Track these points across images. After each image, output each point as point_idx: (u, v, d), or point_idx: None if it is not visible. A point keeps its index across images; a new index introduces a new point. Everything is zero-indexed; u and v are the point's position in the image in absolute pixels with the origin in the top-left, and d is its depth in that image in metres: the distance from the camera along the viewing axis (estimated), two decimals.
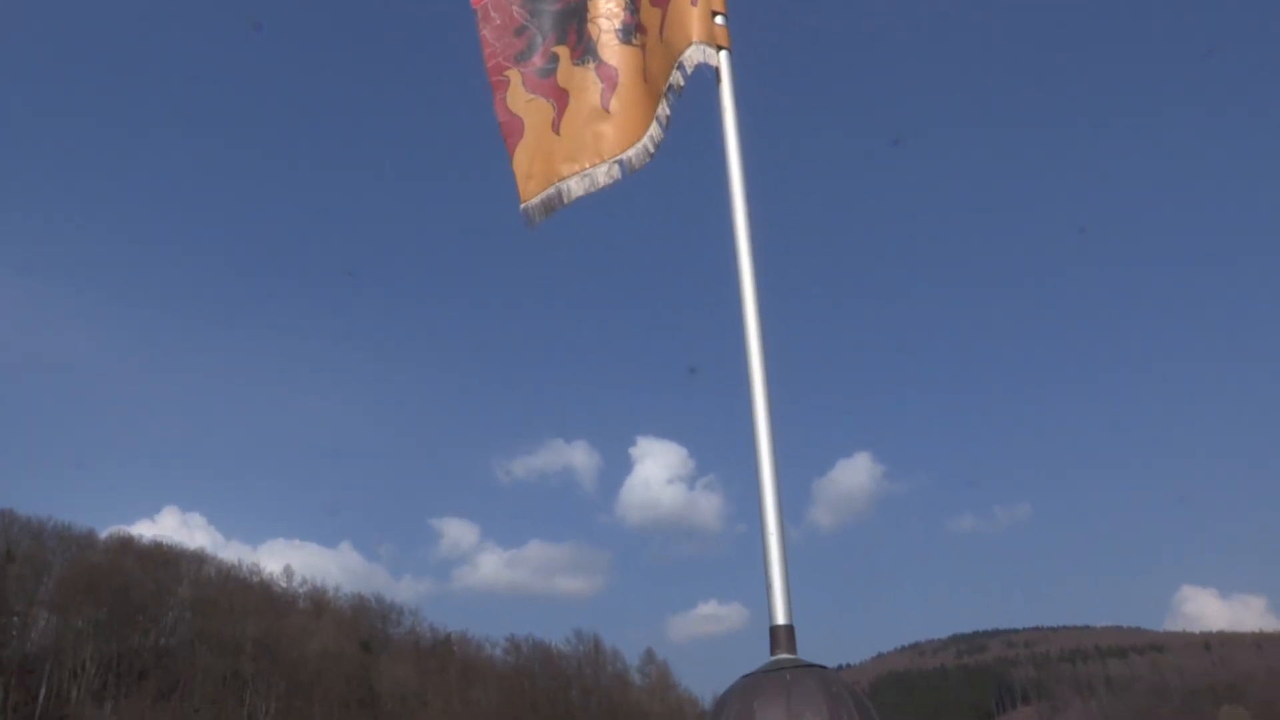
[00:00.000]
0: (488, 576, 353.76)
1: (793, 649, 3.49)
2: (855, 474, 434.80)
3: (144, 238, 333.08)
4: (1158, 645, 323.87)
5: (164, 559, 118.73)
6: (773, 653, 3.50)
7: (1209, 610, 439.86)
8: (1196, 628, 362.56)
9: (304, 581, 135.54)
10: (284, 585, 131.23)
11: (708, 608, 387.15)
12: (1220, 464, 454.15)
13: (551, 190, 5.24)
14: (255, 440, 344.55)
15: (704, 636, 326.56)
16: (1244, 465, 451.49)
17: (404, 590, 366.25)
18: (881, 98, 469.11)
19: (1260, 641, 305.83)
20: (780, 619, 3.51)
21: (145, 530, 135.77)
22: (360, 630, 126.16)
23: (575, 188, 5.19)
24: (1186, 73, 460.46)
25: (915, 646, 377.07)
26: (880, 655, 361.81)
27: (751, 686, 3.36)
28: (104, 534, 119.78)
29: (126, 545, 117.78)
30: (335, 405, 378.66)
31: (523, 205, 5.30)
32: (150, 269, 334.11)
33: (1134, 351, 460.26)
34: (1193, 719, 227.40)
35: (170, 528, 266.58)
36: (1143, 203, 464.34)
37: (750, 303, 4.08)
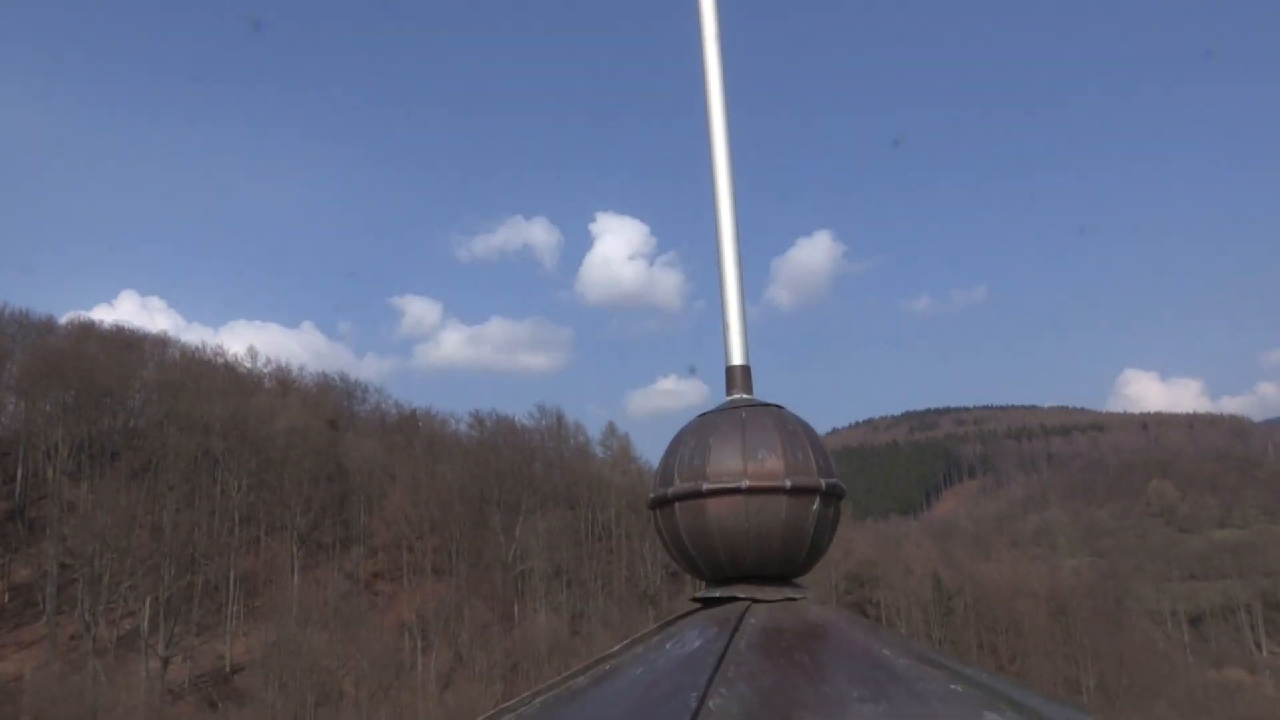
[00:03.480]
0: (450, 353, 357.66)
1: (749, 389, 3.51)
2: (815, 253, 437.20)
3: (102, 15, 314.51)
4: (1099, 424, 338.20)
5: (126, 343, 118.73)
6: (729, 392, 3.52)
7: (1149, 392, 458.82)
8: (1136, 409, 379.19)
9: (268, 362, 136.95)
10: (249, 366, 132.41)
11: (667, 383, 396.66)
12: (1167, 253, 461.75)
13: None
14: (213, 222, 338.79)
15: (663, 411, 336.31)
16: (1189, 255, 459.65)
17: (367, 368, 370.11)
18: None
19: (1193, 422, 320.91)
20: (736, 359, 3.52)
21: (104, 315, 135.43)
22: (326, 408, 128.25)
23: None
24: None
25: (869, 422, 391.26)
26: (835, 430, 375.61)
27: (708, 423, 3.40)
28: (63, 319, 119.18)
29: (87, 330, 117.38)
30: (293, 186, 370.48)
31: None
32: (105, 46, 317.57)
33: (1090, 137, 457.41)
34: (1124, 491, 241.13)
35: (129, 312, 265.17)
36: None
37: (714, 73, 3.84)
